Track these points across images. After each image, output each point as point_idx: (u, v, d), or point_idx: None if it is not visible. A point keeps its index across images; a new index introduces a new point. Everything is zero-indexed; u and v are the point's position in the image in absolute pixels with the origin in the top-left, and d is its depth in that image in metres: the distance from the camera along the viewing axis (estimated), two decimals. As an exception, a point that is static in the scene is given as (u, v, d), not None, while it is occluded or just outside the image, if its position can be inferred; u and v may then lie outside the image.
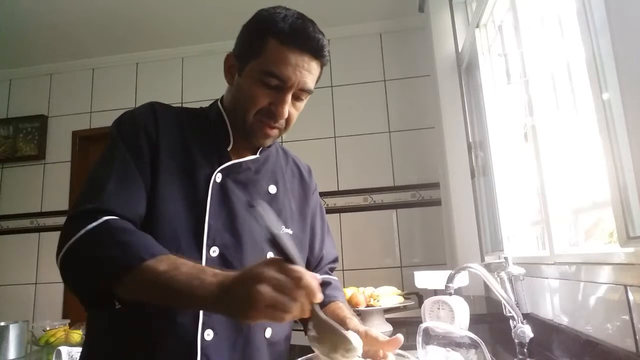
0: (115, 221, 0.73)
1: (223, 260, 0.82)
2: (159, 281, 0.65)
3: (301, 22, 0.84)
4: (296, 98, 0.87)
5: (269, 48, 0.82)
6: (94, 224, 0.71)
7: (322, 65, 0.88)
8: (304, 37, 0.82)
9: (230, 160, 0.90)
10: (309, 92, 0.87)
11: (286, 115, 0.86)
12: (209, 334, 0.78)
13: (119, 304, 0.70)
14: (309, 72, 0.84)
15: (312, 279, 0.59)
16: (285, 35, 0.82)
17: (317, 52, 0.84)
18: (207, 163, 0.88)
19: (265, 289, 0.57)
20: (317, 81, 0.89)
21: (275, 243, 0.60)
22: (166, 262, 0.66)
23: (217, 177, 0.87)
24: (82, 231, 0.71)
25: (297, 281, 0.58)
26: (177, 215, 0.81)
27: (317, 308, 0.63)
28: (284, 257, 0.60)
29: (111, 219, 0.73)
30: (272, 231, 0.59)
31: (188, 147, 0.88)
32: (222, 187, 0.87)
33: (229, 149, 0.91)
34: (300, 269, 0.59)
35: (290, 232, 0.95)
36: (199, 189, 0.85)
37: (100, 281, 0.68)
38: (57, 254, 0.73)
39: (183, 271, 0.65)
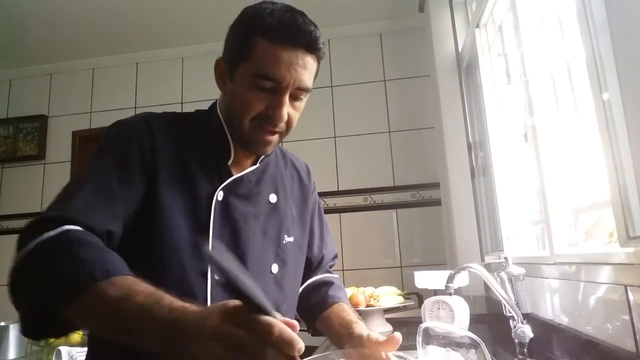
0: (76, 232, 0.63)
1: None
2: (107, 310, 0.55)
3: (290, 15, 0.76)
4: (294, 98, 0.80)
5: (258, 48, 0.76)
6: (51, 233, 0.62)
7: (318, 60, 0.81)
8: (294, 31, 0.75)
9: (231, 175, 0.84)
10: (307, 90, 0.80)
11: (285, 118, 0.79)
12: None
13: (65, 330, 0.61)
14: (304, 69, 0.77)
15: (288, 328, 0.47)
16: (274, 32, 0.75)
17: (310, 45, 0.77)
18: (207, 180, 0.82)
19: (217, 350, 0.46)
20: (315, 77, 0.82)
21: (234, 289, 0.47)
22: (119, 287, 0.56)
23: (219, 195, 0.82)
24: (36, 241, 0.61)
25: (266, 337, 0.46)
26: (182, 240, 0.77)
27: None
28: (249, 304, 0.48)
29: (71, 230, 0.63)
30: (230, 276, 0.47)
31: (186, 162, 0.82)
32: (224, 204, 0.82)
33: (229, 163, 0.85)
34: (269, 320, 0.47)
35: (292, 239, 0.92)
36: (200, 209, 0.80)
37: (46, 303, 0.58)
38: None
39: (135, 301, 0.54)
